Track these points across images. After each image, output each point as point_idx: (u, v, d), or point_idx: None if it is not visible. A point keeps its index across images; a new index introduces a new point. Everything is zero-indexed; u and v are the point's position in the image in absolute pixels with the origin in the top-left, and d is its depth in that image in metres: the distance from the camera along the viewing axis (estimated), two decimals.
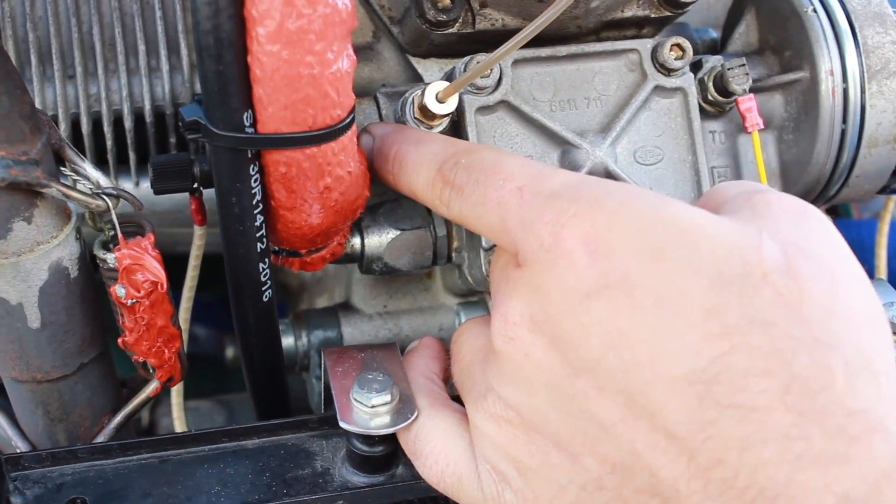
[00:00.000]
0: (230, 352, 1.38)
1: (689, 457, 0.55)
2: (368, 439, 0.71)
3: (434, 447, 0.70)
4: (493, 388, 0.65)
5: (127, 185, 1.02)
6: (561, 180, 0.63)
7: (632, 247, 0.57)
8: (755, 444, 0.53)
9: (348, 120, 0.68)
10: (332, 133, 0.68)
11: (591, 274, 0.58)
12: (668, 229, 0.58)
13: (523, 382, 0.62)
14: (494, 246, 0.83)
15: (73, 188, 0.71)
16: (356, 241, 0.88)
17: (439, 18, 0.83)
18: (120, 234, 0.73)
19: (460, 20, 0.84)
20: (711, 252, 0.56)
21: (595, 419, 0.59)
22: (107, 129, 0.98)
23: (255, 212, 0.70)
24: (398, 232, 0.88)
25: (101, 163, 1.00)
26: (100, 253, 0.74)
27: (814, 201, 0.99)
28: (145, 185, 1.00)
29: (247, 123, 0.66)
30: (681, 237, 0.57)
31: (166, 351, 0.78)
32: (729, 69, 0.88)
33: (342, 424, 0.70)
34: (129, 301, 0.73)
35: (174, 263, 0.89)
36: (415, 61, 0.90)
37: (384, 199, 0.91)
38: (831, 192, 0.97)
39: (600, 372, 0.58)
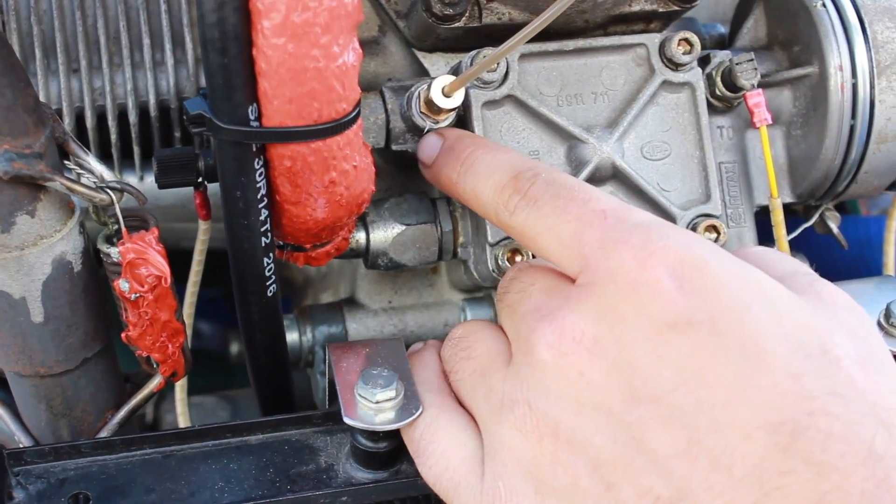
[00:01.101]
0: (234, 347, 1.38)
1: (751, 502, 0.55)
2: (373, 435, 0.71)
3: (437, 447, 0.69)
4: (524, 400, 0.64)
5: (131, 178, 1.01)
6: (646, 215, 0.65)
7: (720, 293, 0.59)
8: (831, 502, 0.54)
9: (354, 114, 0.68)
10: (337, 127, 0.67)
11: (675, 307, 0.59)
12: (753, 289, 0.60)
13: (569, 400, 0.61)
14: (500, 241, 0.82)
15: (77, 182, 0.70)
16: (361, 235, 0.87)
17: (446, 12, 0.82)
18: (124, 228, 0.72)
19: (467, 14, 0.83)
20: (792, 324, 0.59)
21: (647, 450, 0.58)
22: (111, 122, 0.98)
23: (260, 206, 0.70)
24: (403, 227, 0.87)
25: (105, 157, 1.00)
26: (103, 247, 0.74)
27: (822, 197, 0.98)
28: (149, 179, 1.00)
29: (252, 117, 0.65)
30: (765, 300, 0.60)
31: (170, 346, 0.77)
32: (737, 64, 0.87)
33: (346, 420, 0.70)
34: (133, 296, 0.73)
35: (179, 258, 0.89)
36: (421, 55, 0.90)
37: (389, 194, 0.91)
38: (839, 189, 0.97)
39: (667, 405, 0.58)
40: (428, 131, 0.81)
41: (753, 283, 0.61)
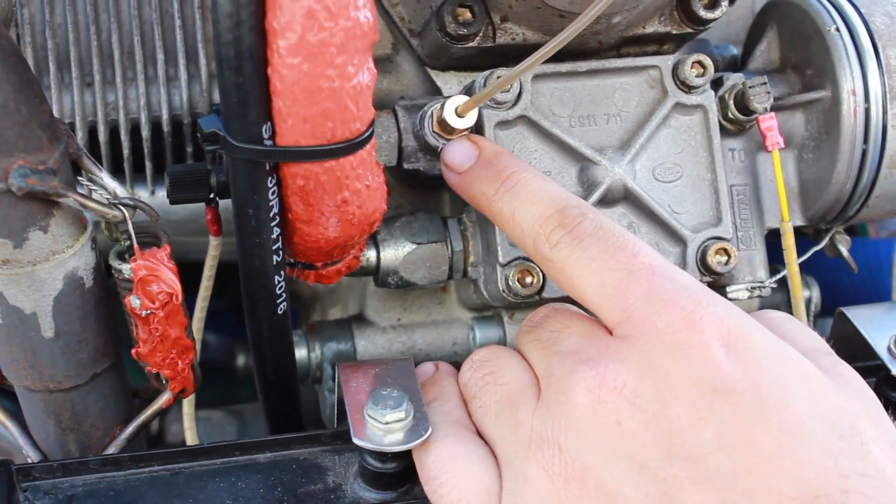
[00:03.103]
0: (241, 360, 1.38)
1: None
2: (381, 456, 0.71)
3: (452, 477, 0.68)
4: (555, 441, 0.64)
5: (143, 193, 1.01)
6: (692, 280, 0.66)
7: (764, 365, 0.62)
8: None
9: (367, 133, 0.68)
10: (351, 147, 0.67)
11: (722, 373, 0.61)
12: (792, 366, 0.63)
13: (603, 448, 0.62)
14: (511, 261, 0.82)
15: (90, 198, 0.70)
16: (372, 254, 0.87)
17: (460, 32, 0.82)
18: (136, 245, 0.72)
19: (481, 34, 0.83)
20: (827, 405, 0.61)
21: None
22: (124, 137, 0.98)
23: (272, 224, 0.70)
24: (414, 246, 0.87)
25: (117, 171, 1.00)
26: (115, 263, 0.74)
27: (832, 221, 0.98)
28: (161, 193, 1.00)
29: (265, 136, 0.65)
30: (802, 378, 0.62)
31: (180, 362, 0.77)
32: (750, 87, 0.87)
33: (355, 440, 0.69)
34: (144, 312, 0.73)
35: (187, 270, 0.88)
36: (434, 74, 0.90)
37: (400, 212, 0.91)
38: (850, 213, 0.97)
39: (704, 466, 0.59)
40: (441, 146, 0.81)
41: (792, 360, 0.63)
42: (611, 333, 0.66)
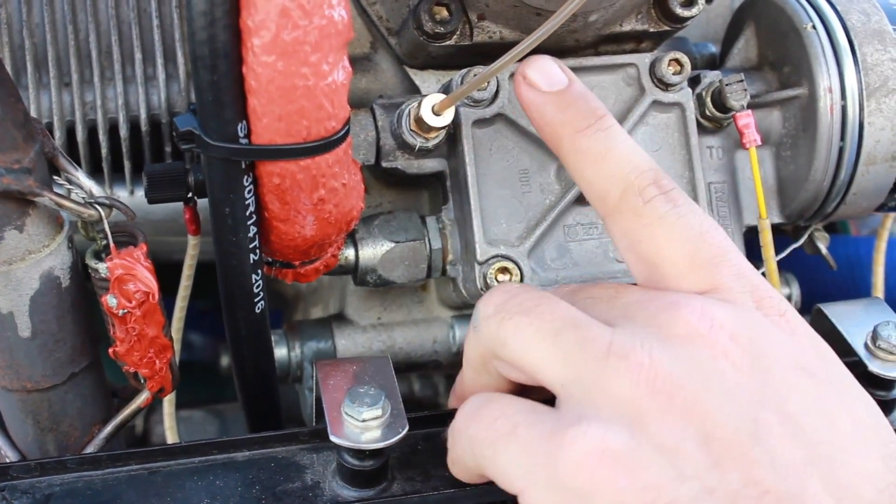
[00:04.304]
0: (225, 360, 1.38)
1: None
2: (359, 453, 0.70)
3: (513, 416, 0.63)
4: (644, 352, 0.60)
5: (122, 193, 1.01)
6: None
7: (839, 366, 0.65)
8: None
9: (343, 132, 0.68)
10: (326, 145, 0.67)
11: (807, 357, 0.64)
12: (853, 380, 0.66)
13: (698, 374, 0.60)
14: (489, 259, 0.82)
15: (66, 197, 0.70)
16: (350, 252, 0.87)
17: (437, 30, 0.82)
18: (112, 244, 0.72)
19: (458, 32, 0.83)
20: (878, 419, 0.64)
21: (768, 448, 0.59)
22: (102, 136, 0.98)
23: (249, 223, 0.70)
24: (392, 244, 0.87)
25: (95, 171, 1.00)
26: (92, 262, 0.73)
27: (811, 218, 0.99)
28: (140, 193, 1.00)
29: (241, 134, 0.65)
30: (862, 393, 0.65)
31: (157, 361, 0.77)
32: (727, 85, 0.88)
33: (332, 438, 0.69)
34: (121, 311, 0.73)
35: (169, 271, 0.88)
36: (412, 73, 0.90)
37: (379, 211, 0.91)
38: (829, 210, 0.97)
39: (793, 423, 0.60)
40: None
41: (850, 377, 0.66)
42: None
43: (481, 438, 0.64)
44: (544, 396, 0.65)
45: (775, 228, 0.95)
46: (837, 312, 0.83)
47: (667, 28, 0.87)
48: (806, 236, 1.03)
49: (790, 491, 0.57)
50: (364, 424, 0.69)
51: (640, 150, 0.70)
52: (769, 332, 0.63)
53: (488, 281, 0.82)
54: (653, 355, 0.60)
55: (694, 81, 0.90)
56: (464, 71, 0.82)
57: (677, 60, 0.86)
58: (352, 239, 0.87)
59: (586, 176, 0.71)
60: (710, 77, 0.90)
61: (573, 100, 0.71)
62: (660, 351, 0.60)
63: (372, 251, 0.87)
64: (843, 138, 0.92)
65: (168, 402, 1.00)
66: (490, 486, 0.67)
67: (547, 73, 0.72)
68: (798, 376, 0.61)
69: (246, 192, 0.68)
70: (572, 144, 0.71)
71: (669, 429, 0.58)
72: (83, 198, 0.72)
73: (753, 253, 0.93)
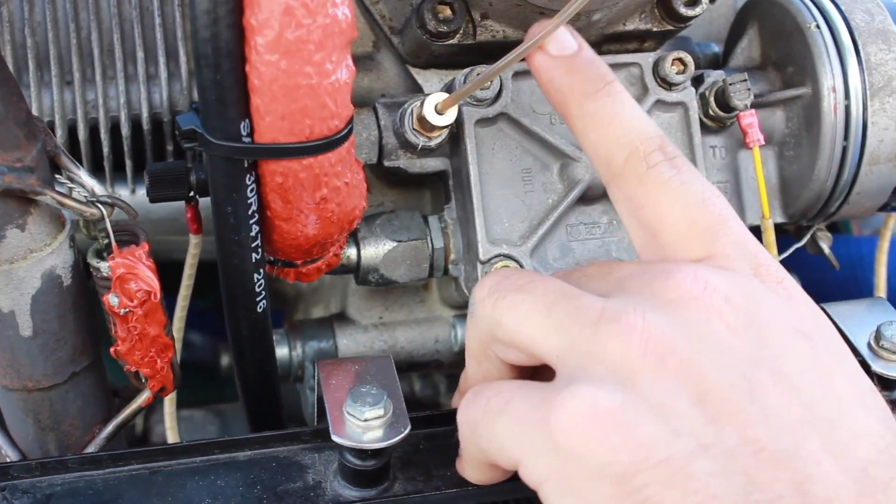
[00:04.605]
0: (225, 360, 1.37)
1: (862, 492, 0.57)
2: (361, 453, 0.70)
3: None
4: (637, 315, 0.60)
5: (123, 192, 1.01)
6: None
7: (832, 329, 0.65)
8: None
9: (346, 131, 0.68)
10: (329, 144, 0.67)
11: (804, 320, 0.64)
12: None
13: (692, 335, 0.60)
14: (491, 259, 0.82)
15: (68, 196, 0.70)
16: (352, 251, 0.87)
17: (440, 29, 0.82)
18: (114, 243, 0.72)
19: (461, 31, 0.83)
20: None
21: (764, 406, 0.58)
22: (104, 135, 0.97)
23: (251, 222, 0.70)
24: (395, 243, 0.87)
25: (97, 170, 1.00)
26: (93, 261, 0.73)
27: (814, 218, 0.99)
28: (142, 192, 0.99)
29: (244, 133, 0.65)
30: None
31: (159, 361, 0.77)
32: (730, 84, 0.88)
33: (334, 438, 0.69)
34: (122, 310, 0.73)
35: (170, 270, 0.88)
36: (415, 72, 0.90)
37: (381, 210, 0.91)
38: (832, 209, 0.97)
39: (790, 383, 0.60)
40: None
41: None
42: None
43: (478, 420, 0.64)
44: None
45: (778, 228, 0.95)
46: (840, 312, 0.83)
47: (670, 27, 0.87)
48: (808, 236, 1.02)
49: (786, 448, 0.57)
50: (366, 424, 0.69)
51: (647, 117, 0.70)
52: (765, 296, 0.62)
53: None
54: (646, 318, 0.59)
55: (697, 81, 0.90)
56: (466, 70, 0.81)
57: (681, 60, 0.86)
58: (354, 238, 0.87)
59: (592, 140, 0.70)
60: (714, 76, 0.90)
61: (582, 65, 0.71)
62: (653, 313, 0.60)
63: (374, 250, 0.87)
64: (846, 138, 0.92)
65: (169, 401, 1.00)
66: (493, 486, 0.67)
67: (557, 38, 0.71)
68: (794, 338, 0.61)
69: (248, 191, 0.68)
70: (580, 108, 0.70)
71: (663, 387, 0.58)
72: (85, 196, 0.72)
73: None
